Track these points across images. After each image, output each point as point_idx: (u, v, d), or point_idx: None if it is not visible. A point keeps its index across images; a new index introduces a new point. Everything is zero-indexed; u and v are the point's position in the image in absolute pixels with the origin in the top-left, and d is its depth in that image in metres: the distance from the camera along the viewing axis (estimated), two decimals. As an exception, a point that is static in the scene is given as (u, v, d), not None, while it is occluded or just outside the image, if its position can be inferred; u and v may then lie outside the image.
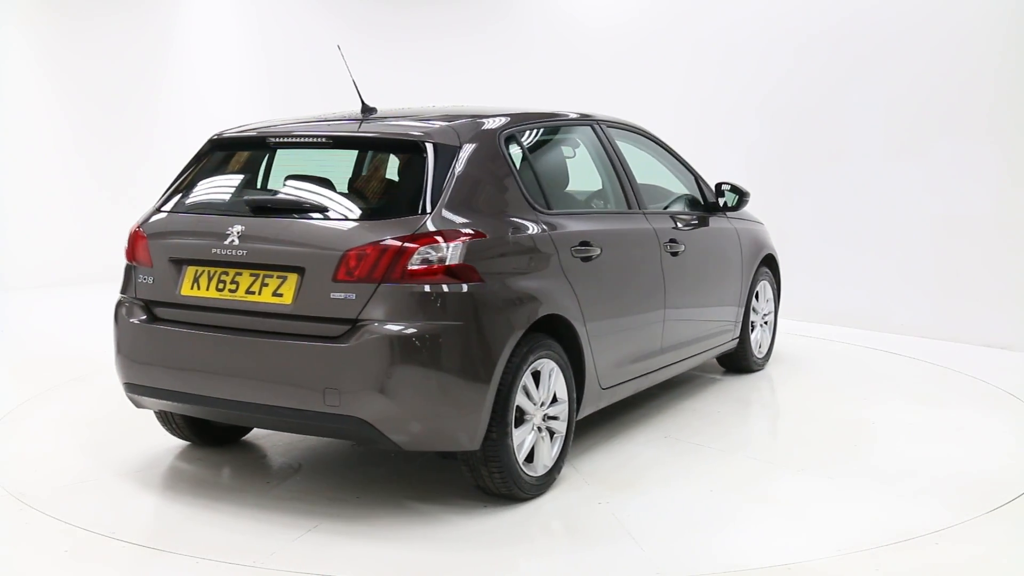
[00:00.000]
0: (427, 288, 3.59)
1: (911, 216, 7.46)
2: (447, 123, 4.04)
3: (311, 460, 4.57)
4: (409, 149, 3.91)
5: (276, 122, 4.45)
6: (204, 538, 3.66)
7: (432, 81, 10.23)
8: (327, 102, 4.56)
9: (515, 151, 4.26)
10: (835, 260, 7.88)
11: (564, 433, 4.14)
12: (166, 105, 10.56)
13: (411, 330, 3.56)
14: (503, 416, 3.75)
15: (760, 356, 6.22)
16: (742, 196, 5.65)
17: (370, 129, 4.09)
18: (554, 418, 4.09)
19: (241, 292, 3.81)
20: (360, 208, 3.84)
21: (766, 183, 8.01)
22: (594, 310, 4.30)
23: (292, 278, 3.71)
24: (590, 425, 4.96)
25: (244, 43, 11.08)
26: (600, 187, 4.99)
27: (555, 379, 4.06)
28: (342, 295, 3.60)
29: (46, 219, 9.73)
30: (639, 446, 4.72)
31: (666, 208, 5.40)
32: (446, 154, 3.85)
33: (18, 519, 3.85)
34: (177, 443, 4.75)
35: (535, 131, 4.59)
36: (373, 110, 4.41)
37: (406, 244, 3.58)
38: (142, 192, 8.26)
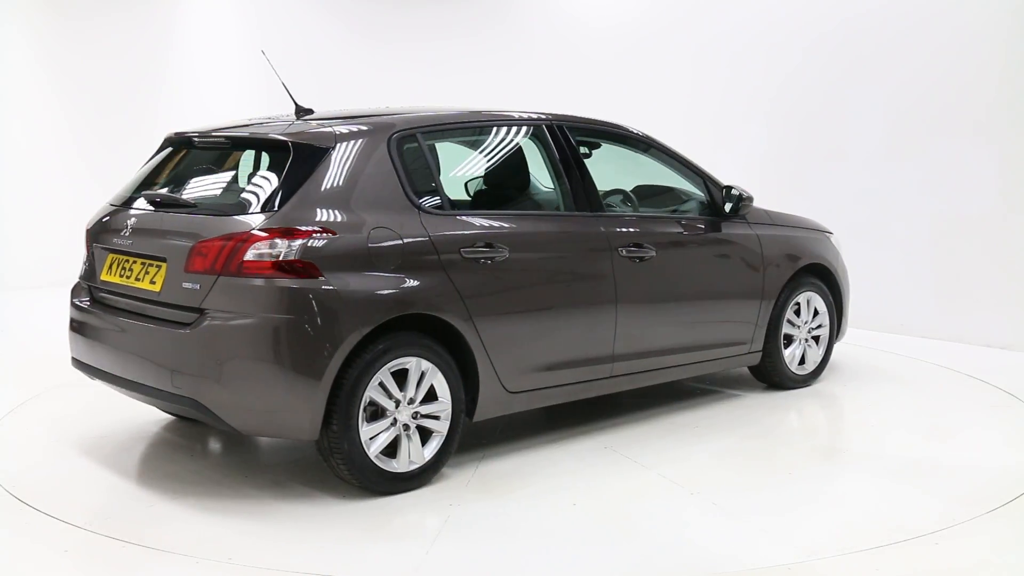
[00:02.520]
0: (260, 282, 3.76)
1: (911, 216, 7.45)
2: (335, 125, 4.17)
3: (260, 440, 4.75)
4: (281, 149, 4.08)
5: (218, 124, 4.65)
6: (80, 500, 4.02)
7: (433, 82, 10.23)
8: (325, 101, 4.58)
9: (411, 152, 4.29)
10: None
11: (445, 432, 4.15)
12: (166, 105, 10.56)
13: (241, 321, 3.77)
14: (347, 410, 3.84)
15: (800, 373, 5.76)
16: (740, 200, 5.29)
17: (258, 131, 4.30)
18: (435, 417, 4.12)
19: (132, 279, 4.18)
20: (225, 204, 4.10)
21: (766, 183, 8.01)
22: (490, 312, 4.25)
23: (163, 267, 4.03)
24: (538, 428, 4.99)
25: (244, 43, 11.08)
26: (544, 189, 4.90)
27: (432, 378, 4.09)
28: (190, 285, 3.88)
29: (46, 219, 9.74)
30: (565, 453, 4.62)
31: (675, 212, 5.29)
32: (313, 154, 4.00)
33: (18, 519, 3.85)
34: (174, 435, 4.77)
35: (450, 132, 4.61)
36: (309, 111, 4.55)
37: (243, 239, 3.78)
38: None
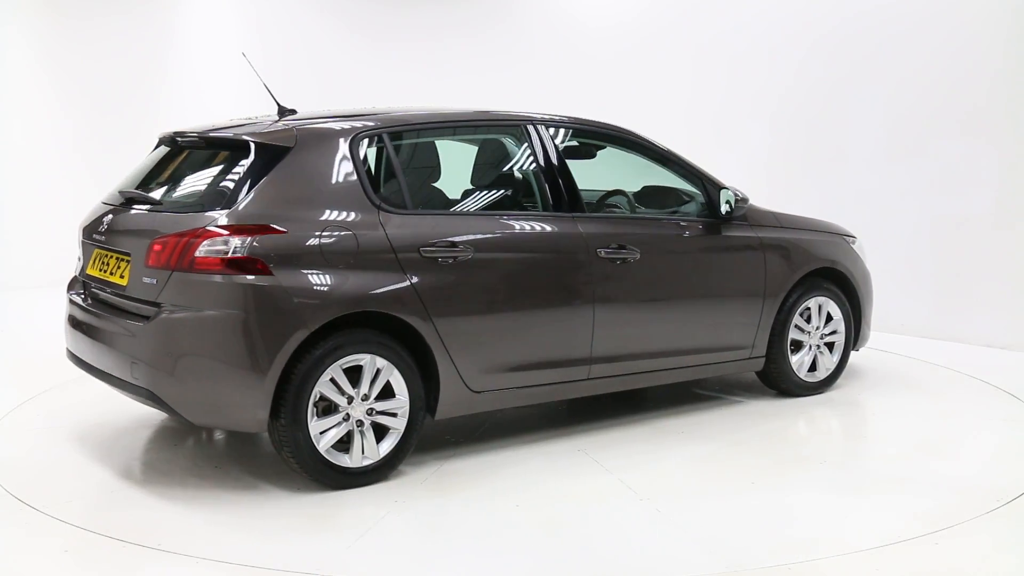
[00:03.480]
0: (209, 278, 3.88)
1: (911, 216, 7.45)
2: (301, 125, 4.27)
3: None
4: (243, 149, 4.18)
5: (205, 124, 4.71)
6: (80, 499, 4.08)
7: (433, 83, 10.22)
8: (325, 102, 4.61)
9: (375, 152, 4.39)
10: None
11: (403, 430, 4.20)
12: (166, 106, 10.56)
13: (191, 315, 3.90)
14: (295, 404, 3.93)
15: (810, 380, 5.57)
16: (734, 201, 5.13)
17: (229, 131, 4.35)
18: (391, 414, 4.17)
19: (108, 273, 4.32)
20: (185, 202, 4.23)
21: (766, 184, 8.00)
22: (452, 311, 4.27)
23: (129, 262, 4.17)
24: (520, 428, 5.02)
25: (244, 44, 11.07)
26: (520, 189, 4.88)
27: (388, 376, 4.14)
28: (149, 279, 4.01)
29: (46, 219, 9.73)
30: (536, 454, 4.60)
31: (675, 213, 5.19)
32: (273, 154, 4.11)
33: (18, 519, 3.85)
34: (171, 432, 4.77)
35: (421, 133, 4.64)
36: (292, 112, 4.62)
37: (195, 235, 3.90)
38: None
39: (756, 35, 8.31)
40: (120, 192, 4.52)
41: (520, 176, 4.88)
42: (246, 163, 4.10)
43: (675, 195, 5.36)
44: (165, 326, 3.92)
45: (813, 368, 5.61)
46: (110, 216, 4.42)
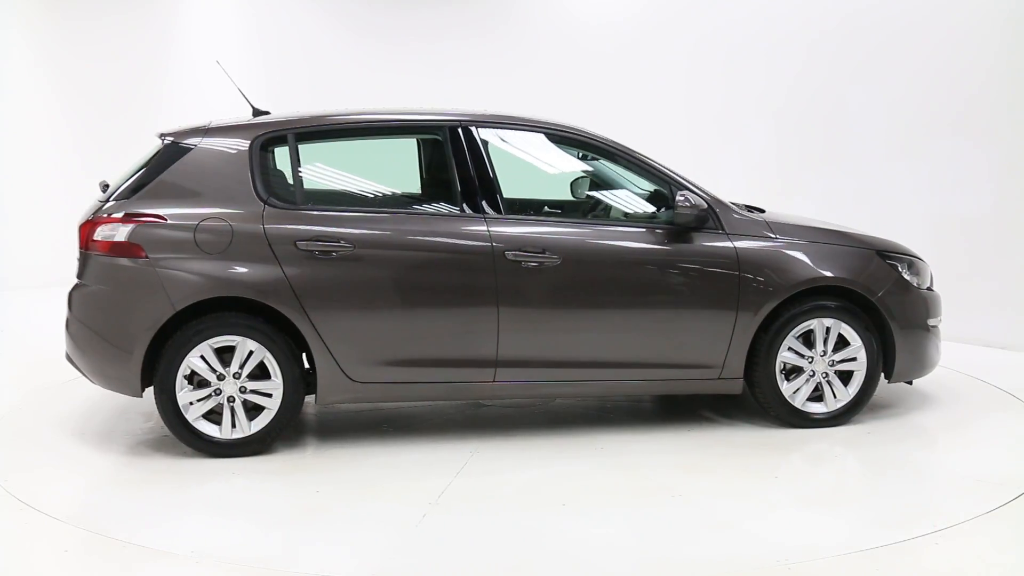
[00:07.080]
0: (100, 259, 4.48)
1: (911, 216, 7.45)
2: (211, 125, 4.71)
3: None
4: (162, 145, 4.68)
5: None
6: (80, 499, 4.03)
7: (433, 84, 10.22)
8: (324, 103, 4.64)
9: (277, 152, 4.71)
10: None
11: (276, 409, 4.52)
12: (167, 107, 10.56)
13: (86, 290, 4.52)
14: (164, 377, 4.43)
15: (810, 411, 4.94)
16: (675, 209, 4.71)
17: (172, 132, 4.75)
18: (267, 394, 4.51)
19: None
20: (120, 192, 4.59)
21: (766, 184, 8.01)
22: (327, 302, 4.49)
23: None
24: (470, 424, 5.09)
25: (244, 46, 11.08)
26: (429, 189, 5.07)
27: (261, 357, 4.48)
28: (77, 259, 4.58)
29: (46, 219, 9.74)
30: (425, 449, 4.66)
31: (654, 219, 4.88)
32: (177, 150, 4.62)
33: (18, 519, 3.85)
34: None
35: (333, 134, 4.85)
36: (265, 113, 4.96)
37: (95, 222, 4.50)
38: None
39: (756, 35, 8.32)
40: (99, 183, 4.98)
41: (429, 176, 5.07)
42: (158, 159, 4.61)
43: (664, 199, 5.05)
44: (73, 299, 4.56)
45: (819, 398, 4.98)
46: (90, 205, 4.80)
